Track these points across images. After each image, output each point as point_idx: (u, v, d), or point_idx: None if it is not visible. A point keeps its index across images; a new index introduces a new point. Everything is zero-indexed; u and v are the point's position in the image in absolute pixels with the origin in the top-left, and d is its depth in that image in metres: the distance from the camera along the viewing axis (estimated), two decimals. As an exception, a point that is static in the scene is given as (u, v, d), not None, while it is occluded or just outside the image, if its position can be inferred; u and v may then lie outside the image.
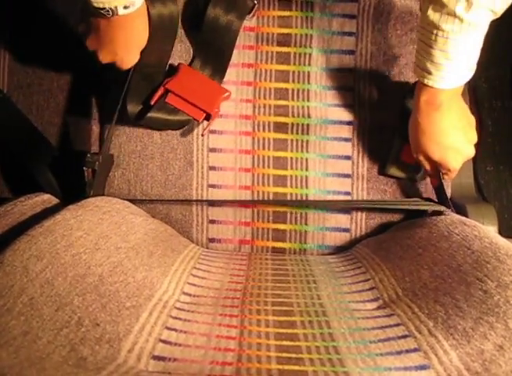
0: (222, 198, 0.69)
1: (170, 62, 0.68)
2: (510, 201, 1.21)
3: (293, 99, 0.70)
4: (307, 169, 0.69)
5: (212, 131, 0.69)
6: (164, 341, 0.41)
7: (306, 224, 0.69)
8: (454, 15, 0.46)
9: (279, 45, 0.70)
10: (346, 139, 0.69)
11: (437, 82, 0.52)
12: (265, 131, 0.69)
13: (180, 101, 0.64)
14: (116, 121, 0.63)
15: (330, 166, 0.69)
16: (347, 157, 0.69)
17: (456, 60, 0.50)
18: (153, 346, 0.40)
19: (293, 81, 0.70)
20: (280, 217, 0.69)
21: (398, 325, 0.44)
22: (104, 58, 0.57)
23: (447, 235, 0.52)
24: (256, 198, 0.69)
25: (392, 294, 0.50)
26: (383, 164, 0.68)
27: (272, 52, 0.70)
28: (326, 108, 0.69)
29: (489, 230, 0.51)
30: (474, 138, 0.59)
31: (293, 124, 0.69)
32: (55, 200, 0.61)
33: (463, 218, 0.57)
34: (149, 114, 0.64)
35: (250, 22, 0.69)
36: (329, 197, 0.69)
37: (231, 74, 0.69)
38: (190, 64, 0.68)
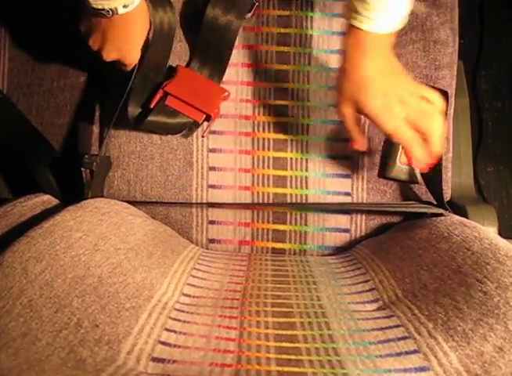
0: (222, 199, 0.69)
1: (168, 63, 0.68)
2: (511, 202, 1.20)
3: (292, 99, 0.69)
4: (307, 170, 0.69)
5: (212, 132, 0.69)
6: (163, 343, 0.41)
7: (306, 225, 0.69)
8: None
9: (279, 44, 0.70)
10: (346, 140, 0.69)
11: (364, 24, 0.50)
12: (265, 131, 0.69)
13: (179, 103, 0.64)
14: (115, 122, 0.63)
15: (330, 166, 0.69)
16: (347, 158, 0.69)
17: (384, 1, 0.48)
18: (152, 348, 0.40)
19: (293, 81, 0.70)
20: (280, 218, 0.69)
21: (397, 326, 0.44)
22: (108, 56, 0.58)
23: (447, 236, 0.52)
24: (256, 199, 0.69)
25: (392, 295, 0.50)
26: (382, 166, 0.68)
27: (271, 52, 0.70)
28: (326, 108, 0.69)
29: (489, 231, 0.51)
30: (414, 88, 0.54)
31: (293, 124, 0.69)
32: (54, 201, 0.61)
33: (463, 219, 0.57)
34: (149, 118, 0.63)
35: (249, 21, 0.69)
36: (329, 198, 0.69)
37: (230, 73, 0.69)
38: (189, 64, 0.68)
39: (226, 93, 0.67)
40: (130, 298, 0.44)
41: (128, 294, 0.44)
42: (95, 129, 0.69)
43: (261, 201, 0.69)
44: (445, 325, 0.41)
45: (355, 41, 0.52)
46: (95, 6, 0.49)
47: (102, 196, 0.67)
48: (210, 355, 0.40)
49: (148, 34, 0.60)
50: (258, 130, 0.69)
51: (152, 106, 0.64)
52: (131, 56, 0.59)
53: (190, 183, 0.69)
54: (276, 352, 0.40)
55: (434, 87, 0.67)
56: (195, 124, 0.67)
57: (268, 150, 0.69)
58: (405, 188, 0.69)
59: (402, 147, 0.63)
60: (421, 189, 0.69)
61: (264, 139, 0.69)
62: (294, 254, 0.69)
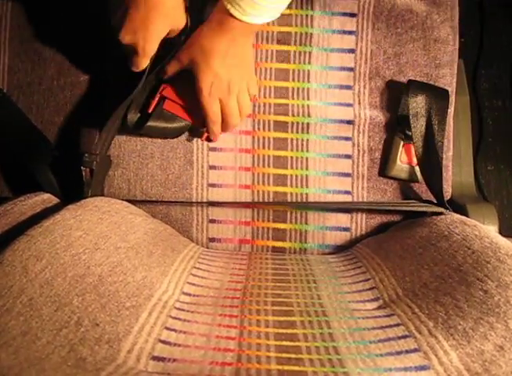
0: (222, 197, 0.69)
1: None
2: (511, 201, 1.20)
3: (293, 98, 0.69)
4: (307, 168, 0.69)
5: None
6: (163, 342, 0.41)
7: (306, 223, 0.69)
8: None
9: (279, 43, 0.70)
10: (346, 138, 0.69)
11: (237, 12, 0.52)
12: (265, 130, 0.69)
13: (177, 107, 0.64)
14: (115, 121, 0.63)
15: (330, 165, 0.69)
16: (348, 156, 0.69)
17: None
18: (152, 347, 0.40)
19: (293, 79, 0.70)
20: (280, 216, 0.69)
21: (398, 325, 0.44)
22: (123, 37, 0.55)
23: (447, 235, 0.52)
24: (256, 197, 0.69)
25: (392, 294, 0.50)
26: (383, 164, 0.68)
27: (271, 51, 0.70)
28: (326, 107, 0.69)
29: (490, 230, 0.51)
30: (254, 87, 0.64)
31: (293, 123, 0.69)
32: (55, 200, 0.61)
33: (464, 217, 0.57)
34: (149, 123, 0.63)
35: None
36: (330, 196, 0.69)
37: (231, 73, 0.69)
38: None
39: None
40: (130, 296, 0.44)
41: (128, 292, 0.44)
42: (95, 128, 0.69)
43: (261, 200, 0.69)
44: (445, 324, 0.41)
45: (221, 21, 0.55)
46: None
47: (103, 195, 0.67)
48: (210, 353, 0.40)
49: (176, 34, 0.59)
50: (258, 128, 0.69)
51: (150, 111, 0.63)
52: (146, 44, 0.56)
53: (190, 182, 0.69)
54: (276, 350, 0.40)
55: (434, 85, 0.67)
56: (194, 128, 0.67)
57: (269, 148, 0.69)
58: (406, 187, 0.69)
59: (404, 145, 0.64)
60: (421, 188, 0.69)
61: (264, 137, 0.69)
62: (295, 252, 0.69)
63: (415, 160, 0.65)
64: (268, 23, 0.69)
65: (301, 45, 0.70)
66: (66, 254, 0.43)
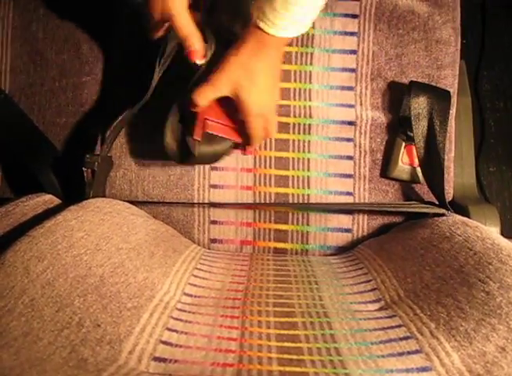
0: (224, 198, 0.69)
1: None
2: (513, 202, 1.20)
3: (295, 99, 0.69)
4: (309, 169, 0.69)
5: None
6: (164, 343, 0.41)
7: (308, 224, 0.69)
8: None
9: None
10: (348, 139, 0.69)
11: (272, 29, 0.52)
12: (267, 131, 0.69)
13: (220, 127, 0.61)
14: (117, 122, 0.63)
15: (332, 166, 0.69)
16: (349, 158, 0.69)
17: (293, 12, 0.50)
18: (153, 347, 0.40)
19: (295, 80, 0.70)
20: (282, 217, 0.69)
21: (399, 326, 0.44)
22: (153, 8, 0.55)
23: (449, 236, 0.52)
24: (258, 198, 0.69)
25: (394, 295, 0.50)
26: (385, 165, 0.68)
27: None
28: (328, 108, 0.69)
29: (491, 231, 0.51)
30: (274, 99, 0.61)
31: (295, 124, 0.69)
32: (56, 201, 0.61)
33: (465, 218, 0.57)
34: (200, 150, 0.60)
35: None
36: (331, 198, 0.69)
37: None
38: None
39: None
40: (132, 297, 0.44)
41: (129, 293, 0.44)
42: (97, 129, 0.69)
43: (262, 201, 0.69)
44: (447, 325, 0.41)
45: (257, 39, 0.54)
46: None
47: (104, 195, 0.67)
48: (211, 354, 0.40)
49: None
50: (260, 130, 0.69)
51: (198, 137, 0.59)
52: (176, 13, 0.54)
53: (192, 183, 0.69)
54: (278, 351, 0.40)
55: (436, 86, 0.67)
56: (236, 146, 0.65)
57: (270, 149, 0.69)
58: (407, 188, 0.69)
59: (406, 146, 0.64)
60: (423, 189, 0.68)
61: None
62: (296, 254, 0.69)
63: (416, 162, 0.65)
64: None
65: (302, 46, 0.70)
66: (67, 255, 0.43)
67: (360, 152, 0.69)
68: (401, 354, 0.39)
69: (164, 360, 0.38)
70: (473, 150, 0.76)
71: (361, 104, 0.69)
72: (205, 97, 0.56)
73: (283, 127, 0.69)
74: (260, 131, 0.60)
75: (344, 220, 0.69)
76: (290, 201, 0.69)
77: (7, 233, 0.48)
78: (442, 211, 0.61)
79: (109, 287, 0.43)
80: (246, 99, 0.56)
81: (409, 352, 0.40)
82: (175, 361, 0.38)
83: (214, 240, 0.69)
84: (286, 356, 0.40)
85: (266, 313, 0.47)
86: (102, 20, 0.71)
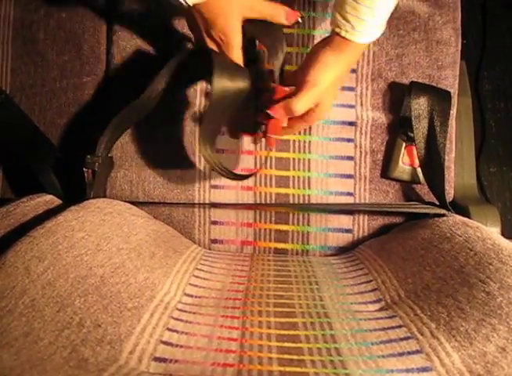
0: (224, 199, 0.69)
1: None
2: (514, 202, 1.20)
3: (295, 100, 0.69)
4: (309, 170, 0.69)
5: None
6: (165, 343, 0.41)
7: (308, 225, 0.69)
8: None
9: (282, 45, 0.70)
10: (348, 140, 0.69)
11: (355, 36, 0.52)
12: (267, 131, 0.69)
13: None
14: (118, 123, 0.63)
15: (333, 167, 0.69)
16: (350, 158, 0.69)
17: (376, 16, 0.50)
18: (154, 348, 0.40)
19: (296, 81, 0.70)
20: (282, 218, 0.69)
21: (400, 327, 0.44)
22: (207, 40, 0.55)
23: (449, 236, 0.52)
24: (258, 199, 0.69)
25: (394, 295, 0.50)
26: (385, 166, 0.68)
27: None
28: (329, 108, 0.69)
29: (492, 232, 0.51)
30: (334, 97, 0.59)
31: (295, 125, 0.69)
32: (57, 201, 0.61)
33: (466, 219, 0.57)
34: (223, 86, 0.56)
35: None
36: (332, 198, 0.69)
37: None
38: None
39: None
40: (132, 297, 0.44)
41: (130, 294, 0.44)
42: (98, 130, 0.69)
43: (263, 201, 0.69)
44: (447, 325, 0.41)
45: (339, 47, 0.53)
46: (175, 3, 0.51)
47: (105, 196, 0.67)
48: (212, 355, 0.40)
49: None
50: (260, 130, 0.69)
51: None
52: (229, 27, 0.54)
53: (193, 183, 0.69)
54: (278, 352, 0.40)
55: (436, 87, 0.67)
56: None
57: (271, 150, 0.69)
58: (408, 188, 0.69)
59: (406, 147, 0.63)
60: (423, 190, 0.68)
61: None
62: (297, 254, 0.69)
63: (417, 162, 0.65)
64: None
65: (303, 46, 0.70)
66: (68, 256, 0.43)
67: (361, 152, 0.69)
68: (401, 354, 0.39)
69: (164, 360, 0.38)
70: (473, 151, 0.76)
71: (361, 105, 0.69)
72: (304, 106, 0.55)
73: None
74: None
75: (345, 220, 0.69)
76: (291, 202, 0.69)
77: (8, 234, 0.49)
78: (443, 211, 0.61)
79: (110, 287, 0.43)
80: (326, 107, 0.57)
81: (409, 353, 0.40)
82: (176, 361, 0.39)
83: (214, 241, 0.69)
84: (286, 356, 0.40)
85: (267, 313, 0.47)
86: (103, 21, 0.71)
